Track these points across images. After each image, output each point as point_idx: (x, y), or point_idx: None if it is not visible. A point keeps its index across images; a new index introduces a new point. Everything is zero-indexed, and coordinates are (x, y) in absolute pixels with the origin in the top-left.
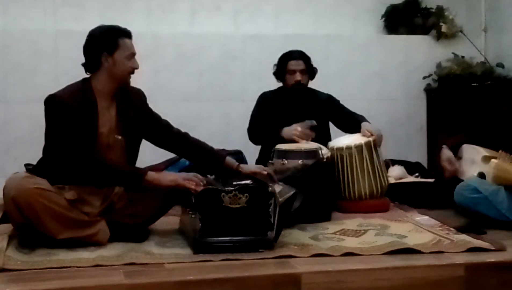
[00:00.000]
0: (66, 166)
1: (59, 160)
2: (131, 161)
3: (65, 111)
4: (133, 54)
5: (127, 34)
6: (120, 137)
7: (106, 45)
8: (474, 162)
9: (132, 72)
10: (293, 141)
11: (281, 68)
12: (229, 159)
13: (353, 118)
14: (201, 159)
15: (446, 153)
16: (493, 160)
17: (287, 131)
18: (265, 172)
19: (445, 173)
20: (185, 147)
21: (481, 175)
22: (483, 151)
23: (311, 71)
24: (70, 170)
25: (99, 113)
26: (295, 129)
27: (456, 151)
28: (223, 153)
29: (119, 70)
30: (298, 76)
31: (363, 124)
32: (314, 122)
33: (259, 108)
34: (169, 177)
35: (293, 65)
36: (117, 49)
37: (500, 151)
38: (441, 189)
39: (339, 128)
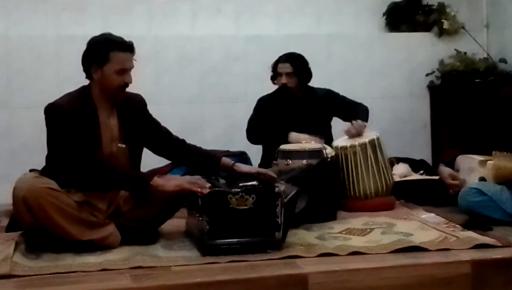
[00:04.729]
0: (71, 172)
1: (63, 166)
2: (135, 168)
3: (66, 119)
4: (124, 69)
5: (122, 47)
6: (124, 146)
7: (96, 57)
8: (472, 169)
9: (124, 87)
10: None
11: (273, 71)
12: (225, 159)
13: (354, 112)
14: (198, 164)
15: (446, 170)
16: (489, 161)
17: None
18: (261, 172)
19: (450, 189)
20: (183, 154)
21: (482, 180)
22: (477, 157)
23: (301, 74)
24: (75, 176)
25: (100, 120)
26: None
27: (452, 165)
28: (218, 155)
29: (108, 83)
30: (283, 79)
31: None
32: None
33: (257, 111)
34: (174, 182)
35: (280, 68)
36: (107, 62)
37: (494, 151)
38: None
39: (345, 121)
